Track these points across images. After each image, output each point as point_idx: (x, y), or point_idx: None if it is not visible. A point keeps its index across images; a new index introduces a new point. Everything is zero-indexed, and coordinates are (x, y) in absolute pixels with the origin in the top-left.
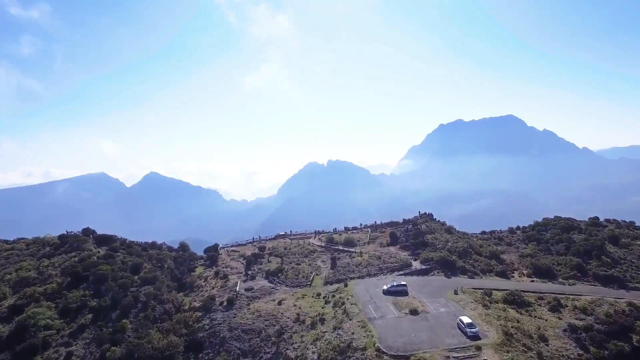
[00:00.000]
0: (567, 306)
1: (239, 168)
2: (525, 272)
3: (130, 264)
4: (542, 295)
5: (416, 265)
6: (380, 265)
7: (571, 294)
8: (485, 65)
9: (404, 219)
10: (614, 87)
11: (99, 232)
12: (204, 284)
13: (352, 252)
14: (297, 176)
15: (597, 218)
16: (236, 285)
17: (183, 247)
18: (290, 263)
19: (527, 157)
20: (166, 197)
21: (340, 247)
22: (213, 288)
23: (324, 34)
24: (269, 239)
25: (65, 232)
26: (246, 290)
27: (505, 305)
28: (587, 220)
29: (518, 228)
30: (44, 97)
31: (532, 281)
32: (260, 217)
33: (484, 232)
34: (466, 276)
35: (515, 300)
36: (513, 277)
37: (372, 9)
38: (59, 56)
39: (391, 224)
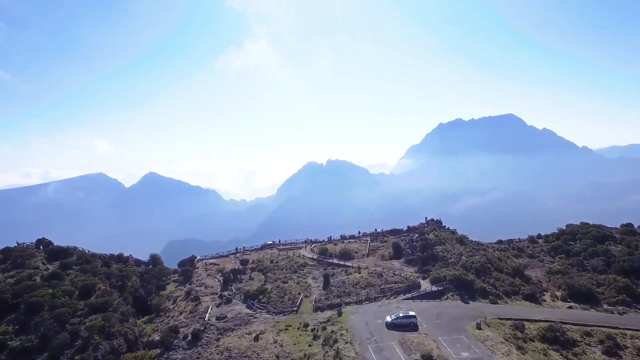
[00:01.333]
0: (626, 347)
1: (238, 168)
2: (558, 294)
3: (80, 285)
4: (589, 329)
5: (425, 285)
6: (382, 286)
7: (627, 328)
8: (484, 64)
9: (408, 227)
10: (614, 86)
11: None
12: (172, 306)
13: (349, 266)
14: (297, 176)
15: (631, 225)
16: (207, 311)
17: (154, 260)
18: (276, 281)
19: (526, 156)
20: (165, 197)
21: (335, 261)
22: (181, 313)
23: (323, 34)
24: (255, 249)
25: (17, 244)
26: (218, 318)
27: (545, 346)
28: (619, 227)
29: (539, 237)
30: (41, 97)
31: (570, 307)
32: (259, 217)
33: (500, 242)
34: (487, 300)
35: (557, 338)
36: (544, 300)
37: (371, 8)
38: (57, 56)
39: (394, 232)
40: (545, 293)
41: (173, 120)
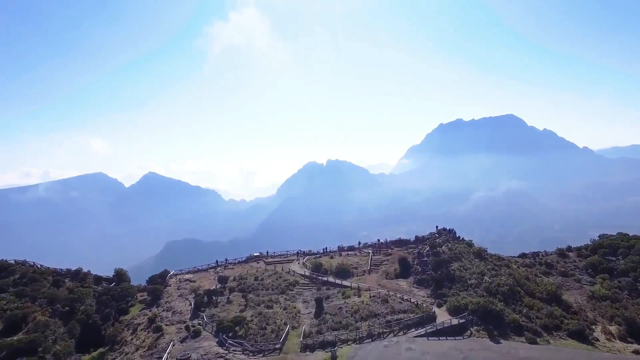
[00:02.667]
0: None
1: (237, 167)
2: (612, 329)
3: (7, 315)
4: None
5: (442, 316)
6: (389, 317)
7: None
8: (485, 65)
9: (416, 237)
10: (615, 87)
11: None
12: (130, 337)
13: (347, 287)
14: (297, 176)
15: None
16: (167, 349)
17: (118, 276)
18: (258, 305)
19: (527, 156)
20: (165, 197)
21: (331, 279)
22: (138, 349)
23: (322, 34)
24: (239, 262)
25: None
26: None
27: None
28: None
29: (570, 249)
30: (41, 97)
31: (636, 352)
32: (259, 216)
33: (524, 255)
34: (523, 338)
35: None
36: (596, 339)
37: (371, 8)
38: (57, 56)
39: (399, 243)
40: (594, 327)
41: (173, 120)
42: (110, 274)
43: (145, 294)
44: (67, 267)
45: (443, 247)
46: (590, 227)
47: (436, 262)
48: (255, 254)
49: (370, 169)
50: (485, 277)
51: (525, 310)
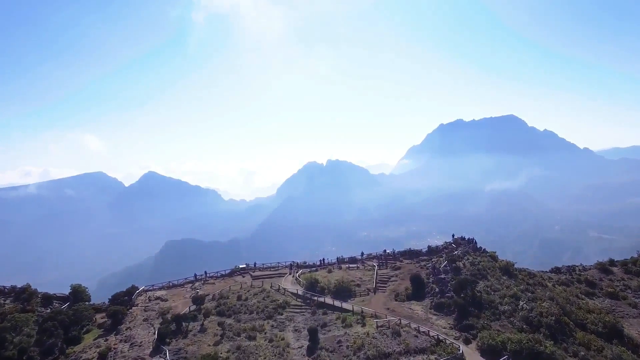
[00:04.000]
0: None
1: (237, 167)
2: None
3: None
4: None
5: (472, 357)
6: (403, 358)
7: None
8: (485, 66)
9: (429, 247)
10: (616, 88)
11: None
12: None
13: (348, 311)
14: (297, 175)
15: None
16: None
17: (75, 293)
18: (238, 335)
19: (527, 156)
20: (164, 196)
21: (328, 300)
22: None
23: (323, 34)
24: (222, 276)
25: None
26: None
27: None
28: None
29: (613, 263)
30: (41, 96)
31: None
32: (259, 216)
33: (557, 270)
34: None
35: None
36: None
37: (371, 9)
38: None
39: (409, 254)
40: None
41: (173, 120)
42: (111, 272)
43: (105, 315)
44: (66, 267)
45: (463, 261)
46: (590, 228)
47: (459, 282)
48: (241, 266)
49: (371, 169)
50: (522, 302)
51: (582, 353)
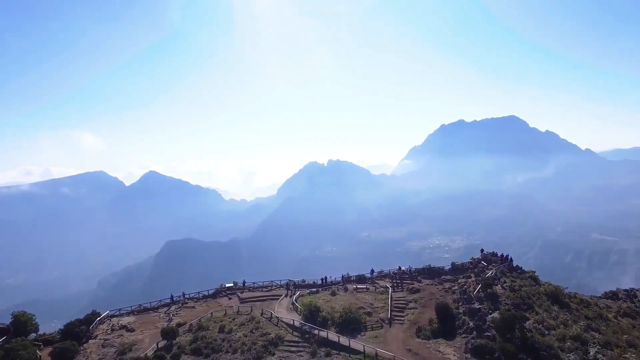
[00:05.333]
0: None
1: (238, 167)
2: None
3: None
4: None
5: None
6: None
7: None
8: (486, 66)
9: (453, 264)
10: (618, 89)
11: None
12: None
13: (357, 353)
14: (297, 175)
15: None
16: None
17: (17, 322)
18: None
19: (528, 158)
20: (165, 196)
21: (332, 336)
22: None
23: (323, 34)
24: (203, 298)
25: None
26: None
27: None
28: None
29: None
30: (41, 95)
31: None
32: (259, 216)
33: (612, 295)
34: None
35: None
36: None
37: (371, 9)
38: (58, 55)
39: (429, 272)
40: None
41: (174, 119)
42: (110, 272)
43: (53, 349)
44: (67, 266)
45: (500, 284)
46: (592, 230)
47: (504, 320)
48: (227, 285)
49: (371, 170)
50: (592, 350)
51: None
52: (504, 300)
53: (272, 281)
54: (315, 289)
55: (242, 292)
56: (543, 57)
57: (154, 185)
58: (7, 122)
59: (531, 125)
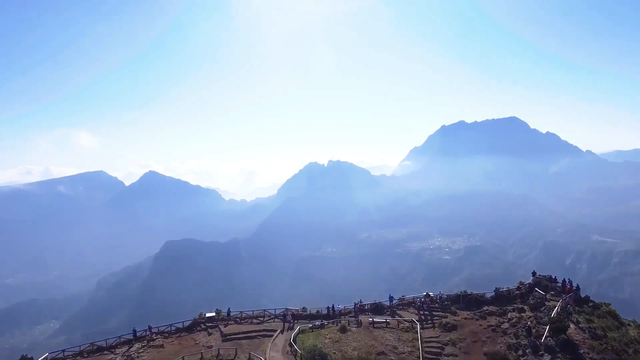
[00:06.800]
0: None
1: (238, 167)
2: None
3: None
4: None
5: None
6: None
7: None
8: (487, 68)
9: (496, 290)
10: (618, 91)
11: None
12: None
13: None
14: (297, 176)
15: None
16: None
17: None
18: None
19: (529, 159)
20: (165, 196)
21: None
22: None
23: (324, 34)
24: (177, 331)
25: None
26: None
27: None
28: None
29: None
30: (42, 95)
31: None
32: (259, 217)
33: None
34: None
35: None
36: None
37: (372, 10)
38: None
39: (466, 300)
40: None
41: (174, 119)
42: (110, 272)
43: None
44: (66, 266)
45: (574, 323)
46: (593, 231)
47: None
48: (208, 315)
49: (372, 170)
50: None
51: None
52: (587, 353)
53: (264, 310)
54: (319, 322)
55: (225, 326)
56: (543, 59)
57: (154, 185)
58: (7, 121)
59: (532, 127)
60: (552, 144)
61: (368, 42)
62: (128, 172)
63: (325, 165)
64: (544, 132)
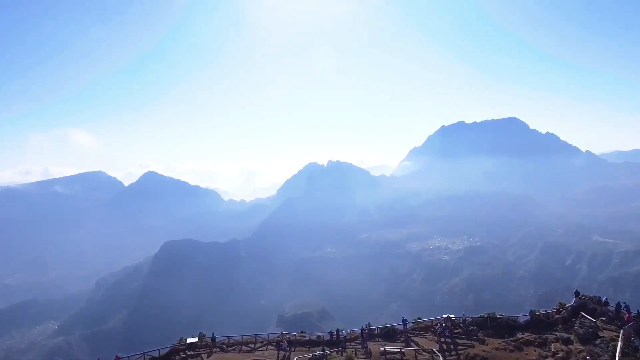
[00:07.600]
0: None
1: (238, 167)
2: None
3: None
4: None
5: None
6: None
7: None
8: (487, 69)
9: (532, 314)
10: (618, 91)
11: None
12: None
13: None
14: (297, 176)
15: None
16: None
17: None
18: None
19: (529, 159)
20: (164, 196)
21: None
22: None
23: (324, 34)
24: None
25: None
26: None
27: None
28: None
29: None
30: (42, 95)
31: None
32: (259, 217)
33: None
34: None
35: None
36: None
37: (372, 10)
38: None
39: (495, 325)
40: None
41: (174, 119)
42: (109, 272)
43: None
44: (65, 266)
45: None
46: (593, 232)
47: None
48: (189, 340)
49: (372, 170)
50: None
51: None
52: None
53: (255, 335)
54: (321, 351)
55: (209, 355)
56: (543, 59)
57: (153, 186)
58: (6, 121)
59: (531, 127)
60: (552, 145)
61: (368, 42)
62: (127, 172)
63: (325, 165)
64: (543, 132)
